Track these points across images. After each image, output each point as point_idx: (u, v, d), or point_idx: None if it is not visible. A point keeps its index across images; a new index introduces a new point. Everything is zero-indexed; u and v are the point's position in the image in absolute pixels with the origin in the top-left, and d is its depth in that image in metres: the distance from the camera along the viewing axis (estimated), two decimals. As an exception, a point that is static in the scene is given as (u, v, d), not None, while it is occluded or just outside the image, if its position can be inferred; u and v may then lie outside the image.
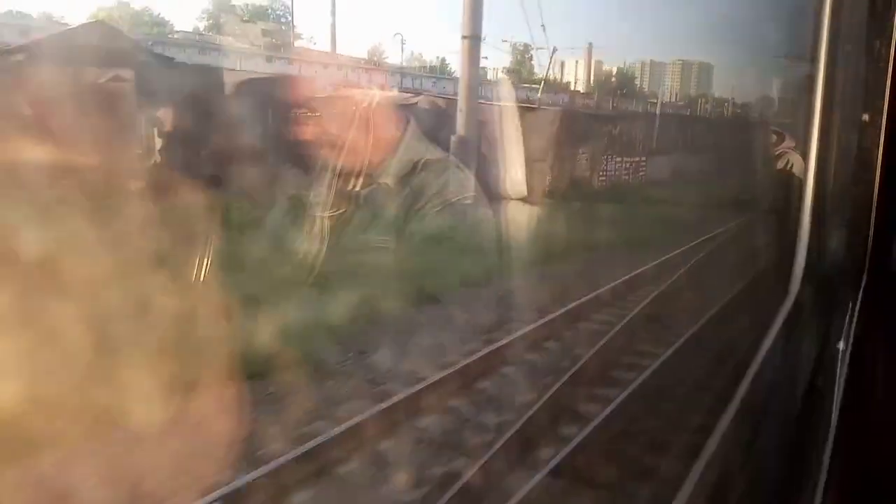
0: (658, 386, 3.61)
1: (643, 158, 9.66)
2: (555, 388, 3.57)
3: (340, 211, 1.73)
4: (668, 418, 3.13)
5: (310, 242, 1.70)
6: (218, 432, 1.89)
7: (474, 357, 3.72)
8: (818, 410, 1.24)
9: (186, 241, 1.55)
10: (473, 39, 4.30)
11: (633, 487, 2.87)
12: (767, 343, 1.63)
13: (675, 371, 3.73)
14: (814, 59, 2.40)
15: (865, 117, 2.59)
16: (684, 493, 0.90)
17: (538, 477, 2.77)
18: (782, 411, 1.36)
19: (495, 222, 1.96)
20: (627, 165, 9.64)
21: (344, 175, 1.73)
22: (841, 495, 1.01)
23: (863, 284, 2.00)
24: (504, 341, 3.97)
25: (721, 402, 1.30)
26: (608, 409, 3.38)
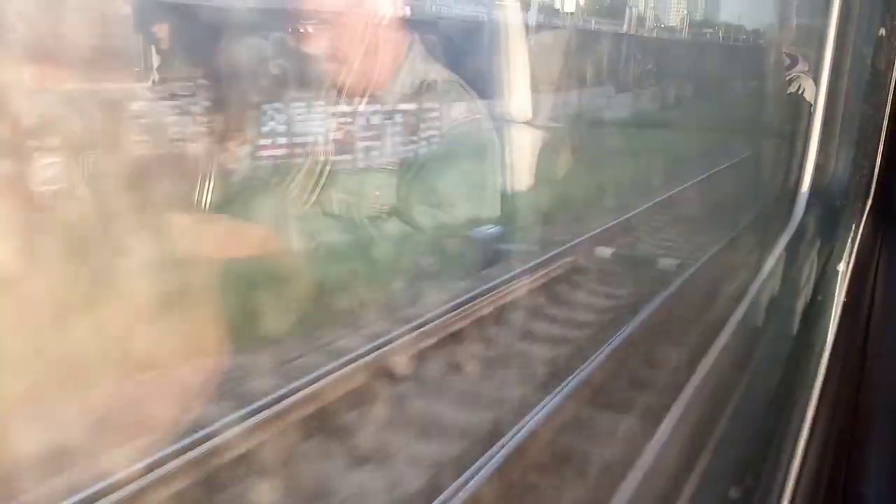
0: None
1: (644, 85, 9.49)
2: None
3: (344, 132, 1.72)
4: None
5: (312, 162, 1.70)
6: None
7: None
8: (815, 328, 1.27)
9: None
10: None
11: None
12: (769, 264, 1.66)
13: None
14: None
15: (882, 32, 2.53)
16: (685, 395, 0.93)
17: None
18: (781, 328, 1.39)
19: (500, 144, 1.95)
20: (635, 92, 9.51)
21: (347, 94, 1.71)
22: (833, 409, 1.04)
23: (867, 209, 2.01)
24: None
25: (720, 322, 1.33)
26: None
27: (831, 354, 1.18)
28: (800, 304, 1.48)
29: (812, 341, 1.22)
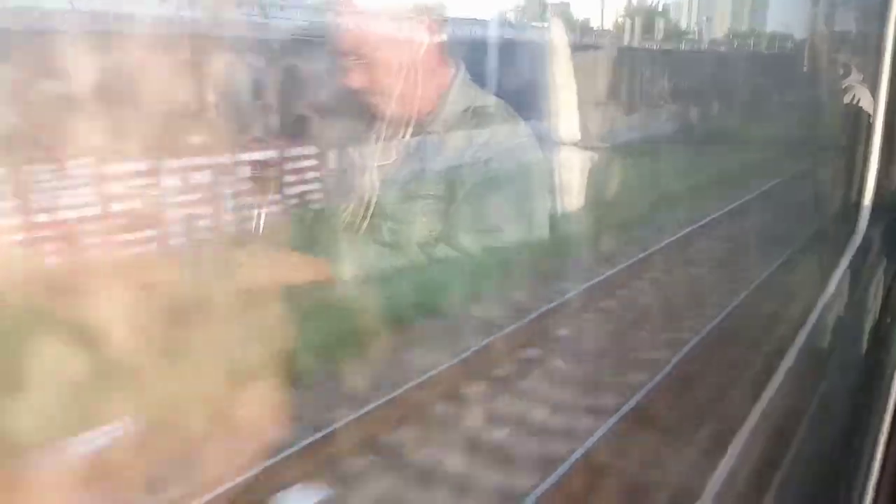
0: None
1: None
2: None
3: (390, 161, 1.73)
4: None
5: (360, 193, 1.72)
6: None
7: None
8: (885, 348, 1.21)
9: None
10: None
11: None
12: (834, 282, 1.59)
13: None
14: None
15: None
16: (746, 427, 0.90)
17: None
18: (849, 350, 1.33)
19: (549, 166, 1.94)
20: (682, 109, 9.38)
21: (393, 124, 1.72)
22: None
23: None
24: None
25: (786, 342, 1.29)
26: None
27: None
28: (867, 324, 1.42)
29: (882, 362, 1.16)
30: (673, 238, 4.99)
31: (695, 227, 5.37)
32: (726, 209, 5.76)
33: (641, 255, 4.64)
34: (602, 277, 4.24)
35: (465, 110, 1.73)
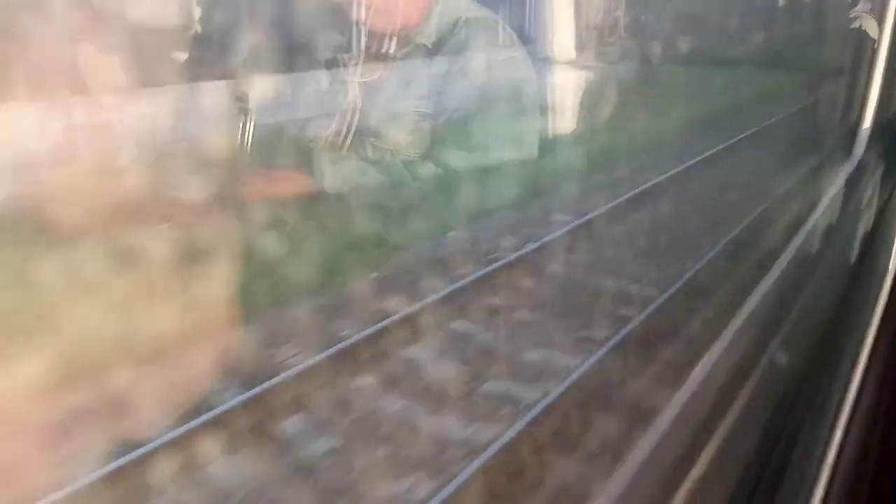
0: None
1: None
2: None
3: (375, 76, 1.68)
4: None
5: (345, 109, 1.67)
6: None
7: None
8: (874, 259, 1.19)
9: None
10: None
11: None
12: (829, 195, 1.58)
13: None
14: None
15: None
16: (738, 318, 0.89)
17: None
18: (839, 258, 1.32)
19: (540, 85, 1.89)
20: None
21: (378, 38, 1.66)
22: (893, 337, 0.97)
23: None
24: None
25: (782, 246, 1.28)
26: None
27: (892, 285, 1.11)
28: (859, 235, 1.40)
29: (872, 270, 1.15)
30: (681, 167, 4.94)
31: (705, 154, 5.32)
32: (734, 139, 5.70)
33: (644, 186, 4.59)
34: (599, 210, 4.21)
35: (455, 22, 1.67)
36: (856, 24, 4.31)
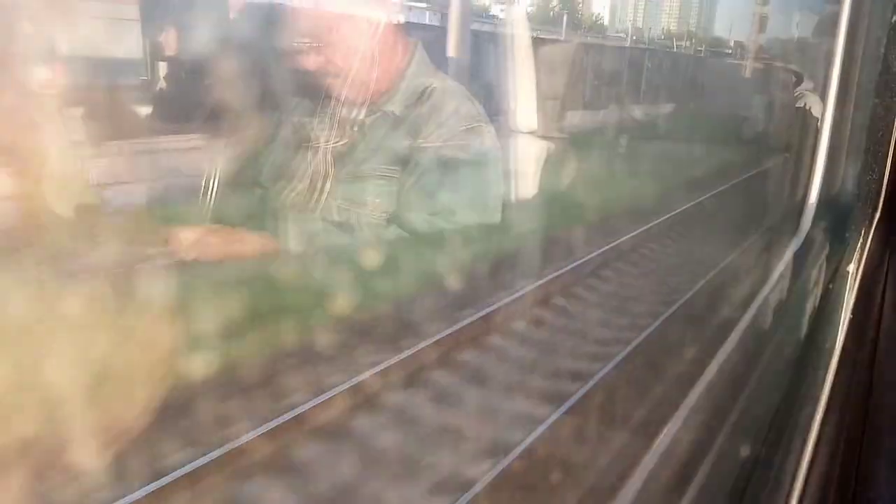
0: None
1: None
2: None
3: (343, 140, 1.71)
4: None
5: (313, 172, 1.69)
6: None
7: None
8: (824, 331, 1.24)
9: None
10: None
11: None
12: (778, 271, 1.63)
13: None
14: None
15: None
16: (690, 399, 0.91)
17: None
18: (789, 333, 1.37)
19: (504, 153, 1.94)
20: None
21: (348, 104, 1.71)
22: (842, 411, 1.01)
23: (877, 215, 1.98)
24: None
25: (728, 326, 1.31)
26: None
27: (840, 359, 1.15)
28: (809, 309, 1.45)
29: (820, 346, 1.19)
30: (628, 235, 5.03)
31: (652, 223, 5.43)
32: (680, 209, 5.84)
33: (595, 253, 4.66)
34: (558, 272, 4.25)
35: (422, 91, 1.72)
36: (800, 103, 4.52)
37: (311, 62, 1.64)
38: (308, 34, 1.63)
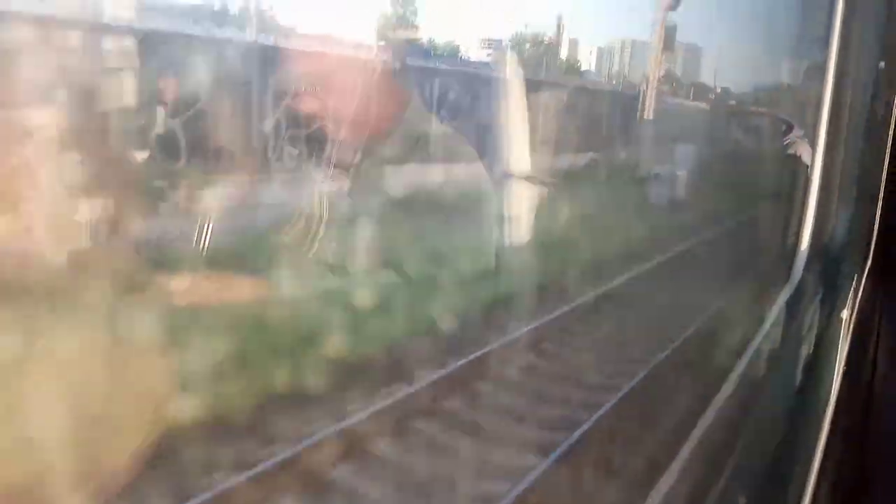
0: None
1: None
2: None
3: (340, 184, 1.72)
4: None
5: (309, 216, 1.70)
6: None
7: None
8: (819, 379, 1.23)
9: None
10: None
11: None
12: (770, 320, 1.63)
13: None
14: (826, 47, 2.41)
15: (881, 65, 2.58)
16: (682, 455, 0.90)
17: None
18: (783, 382, 1.36)
19: (497, 198, 1.95)
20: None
21: (345, 149, 1.72)
22: (838, 463, 1.00)
23: (867, 263, 1.99)
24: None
25: (723, 374, 1.30)
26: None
27: (835, 409, 1.14)
28: (803, 357, 1.45)
29: (815, 396, 1.18)
30: (623, 278, 5.05)
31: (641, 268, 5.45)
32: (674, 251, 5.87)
33: (585, 299, 4.65)
34: (552, 316, 4.24)
35: (419, 137, 1.74)
36: (791, 150, 4.59)
37: (308, 105, 1.65)
38: (306, 77, 1.65)
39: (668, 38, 10.13)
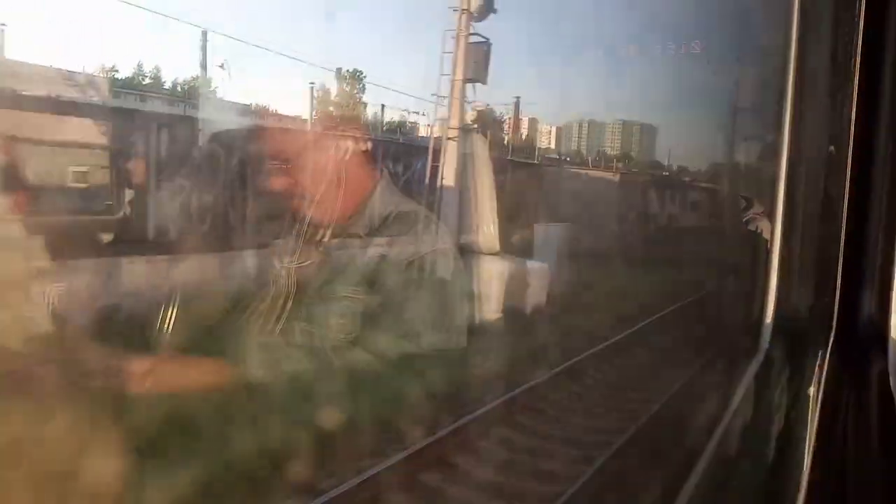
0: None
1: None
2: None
3: (308, 262, 1.71)
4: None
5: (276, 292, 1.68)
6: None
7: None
8: (791, 456, 1.22)
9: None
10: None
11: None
12: (739, 395, 1.63)
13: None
14: (778, 127, 2.50)
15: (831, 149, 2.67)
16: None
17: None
18: (756, 458, 1.35)
19: (467, 275, 1.95)
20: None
21: (314, 227, 1.72)
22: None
23: (832, 336, 2.02)
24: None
25: (694, 455, 1.29)
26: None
27: (808, 490, 1.13)
28: (774, 434, 1.45)
29: (787, 474, 1.18)
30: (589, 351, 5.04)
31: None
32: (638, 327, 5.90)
33: (554, 371, 4.63)
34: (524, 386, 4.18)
35: (387, 215, 1.75)
36: (751, 226, 4.70)
37: (278, 183, 1.66)
38: (276, 156, 1.66)
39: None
